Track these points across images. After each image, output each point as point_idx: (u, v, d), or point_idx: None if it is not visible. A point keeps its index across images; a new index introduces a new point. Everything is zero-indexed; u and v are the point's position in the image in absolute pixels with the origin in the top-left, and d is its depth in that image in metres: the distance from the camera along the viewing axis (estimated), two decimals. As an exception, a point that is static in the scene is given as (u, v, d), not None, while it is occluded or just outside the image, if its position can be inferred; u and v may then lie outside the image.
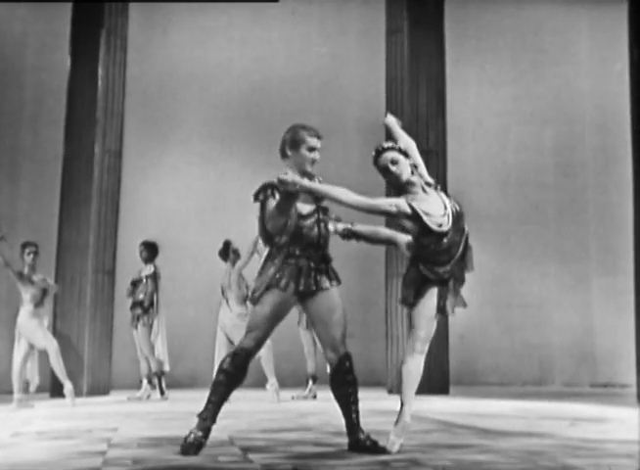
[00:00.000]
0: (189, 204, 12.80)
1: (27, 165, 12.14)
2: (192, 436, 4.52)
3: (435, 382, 10.21)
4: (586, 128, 13.62)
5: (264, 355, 9.05)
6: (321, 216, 4.69)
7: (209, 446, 4.61)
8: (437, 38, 11.09)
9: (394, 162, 4.70)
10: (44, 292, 8.97)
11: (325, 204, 4.73)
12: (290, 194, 4.40)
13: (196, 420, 4.58)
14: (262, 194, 4.62)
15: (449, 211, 4.65)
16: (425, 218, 4.57)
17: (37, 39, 12.30)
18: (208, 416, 4.56)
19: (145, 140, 12.58)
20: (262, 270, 4.65)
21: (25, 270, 8.90)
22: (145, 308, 9.74)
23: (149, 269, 9.85)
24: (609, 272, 12.96)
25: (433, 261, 4.63)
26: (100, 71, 10.58)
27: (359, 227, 4.99)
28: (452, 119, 11.48)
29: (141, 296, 9.77)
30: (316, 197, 4.66)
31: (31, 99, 12.26)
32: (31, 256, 8.94)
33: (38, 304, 8.89)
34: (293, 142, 4.74)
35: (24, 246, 9.01)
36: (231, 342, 8.82)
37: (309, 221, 4.63)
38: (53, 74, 11.70)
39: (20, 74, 12.16)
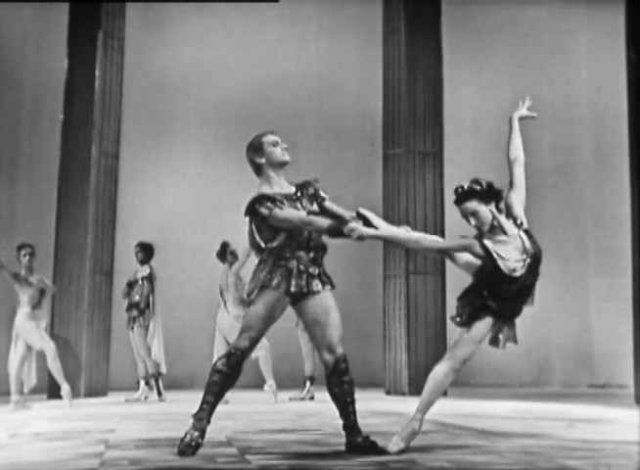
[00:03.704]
0: (186, 205, 12.80)
1: (25, 167, 12.13)
2: (188, 437, 4.52)
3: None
4: (584, 130, 13.64)
5: (262, 357, 9.05)
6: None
7: (207, 447, 4.61)
8: (435, 40, 11.10)
9: (474, 214, 4.57)
10: (42, 293, 8.95)
11: (315, 208, 4.73)
12: (344, 235, 4.47)
13: (191, 421, 4.58)
14: (264, 208, 4.61)
15: (527, 256, 4.60)
16: (499, 262, 4.52)
17: (35, 40, 12.29)
18: (204, 416, 4.56)
19: (142, 141, 12.58)
20: (255, 273, 4.69)
21: (22, 272, 8.88)
22: (141, 310, 9.73)
23: (145, 271, 9.84)
24: (607, 273, 12.97)
25: (499, 296, 4.58)
26: (97, 73, 10.57)
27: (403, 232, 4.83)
28: (449, 121, 11.48)
29: (137, 297, 9.75)
30: (310, 202, 4.69)
31: (29, 100, 12.25)
32: (27, 257, 8.91)
33: (36, 305, 8.87)
34: (255, 149, 4.81)
35: (20, 247, 8.99)
36: (229, 343, 8.81)
37: None
38: (51, 76, 11.69)
39: (18, 75, 12.15)
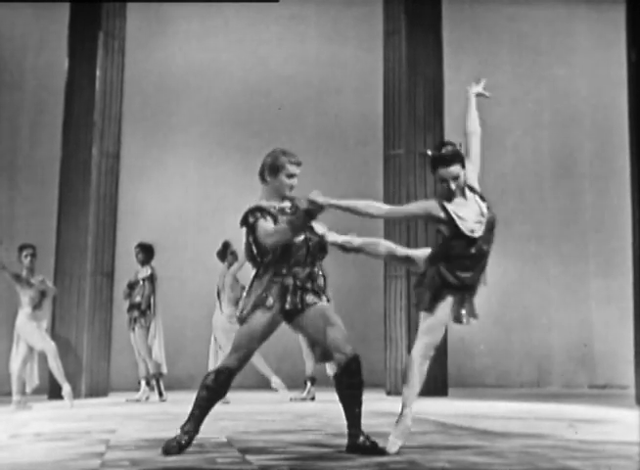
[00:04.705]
0: (187, 206, 12.80)
1: (26, 167, 12.13)
2: (175, 439, 4.56)
3: (434, 383, 10.18)
4: (584, 131, 13.63)
5: (255, 362, 9.01)
6: (309, 235, 4.69)
7: (208, 448, 4.61)
8: (435, 40, 11.09)
9: (456, 178, 4.58)
10: (43, 294, 8.95)
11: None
12: (311, 214, 4.43)
13: (179, 431, 4.59)
14: (252, 217, 4.62)
15: (485, 219, 4.62)
16: (458, 222, 4.55)
17: (36, 41, 12.29)
18: (190, 429, 4.60)
19: (143, 142, 12.58)
20: (250, 290, 4.66)
21: (24, 273, 8.89)
22: (142, 311, 9.74)
23: (145, 271, 9.84)
24: (607, 274, 12.96)
25: (457, 266, 4.59)
26: (98, 73, 10.57)
27: (360, 240, 4.91)
28: (450, 122, 11.47)
29: (138, 298, 9.76)
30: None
31: (30, 100, 12.25)
32: (29, 258, 8.91)
33: (37, 306, 8.87)
34: (272, 167, 4.74)
35: (22, 248, 8.99)
36: (216, 342, 8.88)
37: (298, 240, 4.63)
38: (51, 76, 11.70)
39: (18, 76, 12.15)
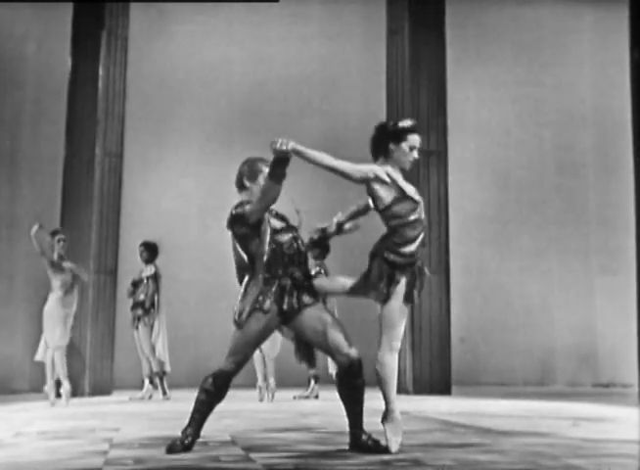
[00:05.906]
0: (190, 204, 12.81)
1: (27, 166, 12.13)
2: (178, 440, 4.56)
3: (437, 382, 10.22)
4: (587, 129, 13.63)
5: (259, 358, 9.06)
6: (295, 234, 4.70)
7: (211, 446, 4.61)
8: (438, 39, 11.10)
9: (417, 149, 4.74)
10: (74, 278, 9.03)
11: (293, 223, 4.78)
12: (282, 161, 4.41)
13: (180, 436, 4.59)
14: (240, 208, 4.63)
15: (419, 198, 4.70)
16: (401, 183, 4.63)
17: (38, 40, 12.30)
18: (191, 433, 4.60)
19: (145, 141, 12.60)
20: (245, 292, 4.62)
21: (54, 257, 8.97)
22: (146, 309, 9.75)
23: (150, 270, 9.86)
24: (610, 272, 12.96)
25: (399, 241, 4.56)
26: (101, 72, 10.60)
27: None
28: (453, 120, 11.48)
29: (142, 296, 9.78)
30: (283, 216, 4.71)
31: (32, 99, 12.26)
32: (61, 243, 9.06)
33: (68, 291, 8.95)
34: (251, 173, 4.81)
35: (54, 233, 9.11)
36: None
37: (286, 238, 4.66)
38: (53, 75, 11.71)
39: (20, 75, 12.16)
